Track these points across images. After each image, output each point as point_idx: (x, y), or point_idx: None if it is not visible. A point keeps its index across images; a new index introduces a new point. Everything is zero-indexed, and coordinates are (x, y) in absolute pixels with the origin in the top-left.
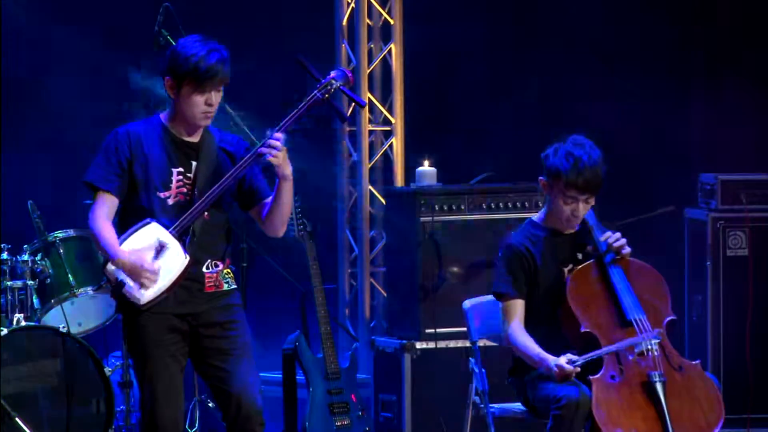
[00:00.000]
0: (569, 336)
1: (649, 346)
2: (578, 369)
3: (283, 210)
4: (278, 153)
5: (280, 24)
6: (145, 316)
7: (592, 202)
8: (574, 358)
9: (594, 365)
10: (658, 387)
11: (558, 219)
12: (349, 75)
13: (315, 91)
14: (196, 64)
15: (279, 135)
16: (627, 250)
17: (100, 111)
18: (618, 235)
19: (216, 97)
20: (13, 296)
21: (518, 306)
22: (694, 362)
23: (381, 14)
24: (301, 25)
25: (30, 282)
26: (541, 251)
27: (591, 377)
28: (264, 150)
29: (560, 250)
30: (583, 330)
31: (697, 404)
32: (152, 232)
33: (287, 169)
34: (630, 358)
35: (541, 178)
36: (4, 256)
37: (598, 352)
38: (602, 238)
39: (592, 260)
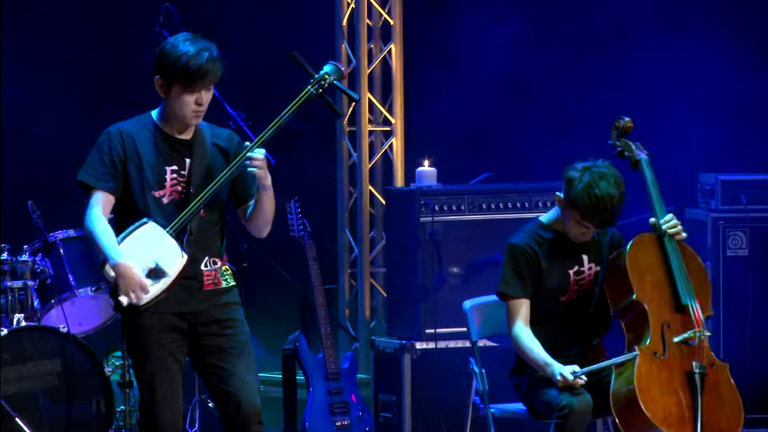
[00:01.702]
0: (612, 297)
1: (702, 336)
2: (582, 381)
3: (264, 215)
4: (262, 165)
5: (280, 24)
6: (145, 316)
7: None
8: (579, 370)
9: (634, 337)
10: (698, 378)
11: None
12: (342, 69)
13: (308, 86)
14: (186, 64)
15: (260, 150)
16: (683, 235)
17: (101, 110)
18: (675, 221)
19: (206, 96)
20: (14, 296)
21: (523, 305)
22: (724, 363)
23: (381, 14)
24: (302, 26)
25: (30, 282)
26: (546, 252)
27: (637, 347)
28: (247, 162)
29: (566, 252)
30: (635, 298)
31: (722, 405)
32: (150, 233)
33: (267, 180)
34: (675, 340)
35: (558, 194)
36: (4, 256)
37: (604, 363)
38: (662, 222)
39: (654, 232)
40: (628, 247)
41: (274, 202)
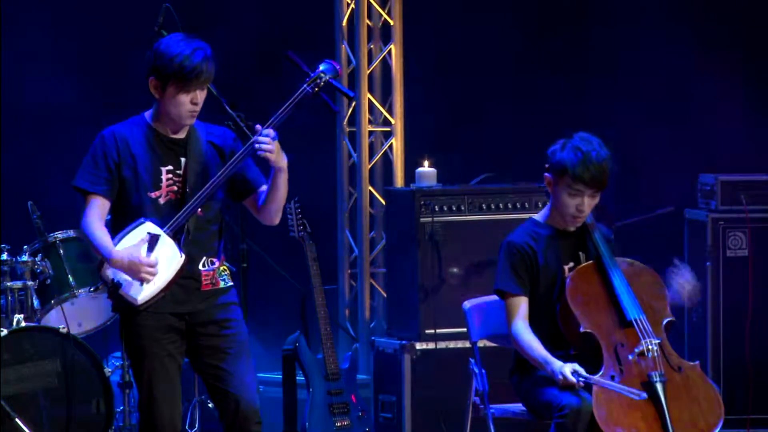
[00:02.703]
0: (568, 334)
1: (650, 347)
2: (582, 385)
3: (279, 199)
4: (272, 147)
5: (279, 25)
6: (143, 316)
7: (597, 198)
8: (580, 371)
9: (594, 364)
10: (659, 387)
11: (562, 216)
12: (338, 67)
13: (304, 85)
14: (181, 64)
15: (269, 131)
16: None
17: (101, 110)
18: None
19: (201, 95)
20: (13, 297)
21: (522, 303)
22: (693, 363)
23: (381, 15)
24: (301, 26)
25: (30, 283)
26: (542, 249)
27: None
28: (256, 146)
29: (562, 248)
30: (582, 330)
31: (696, 405)
32: (146, 231)
33: (282, 162)
34: (630, 357)
35: (546, 174)
36: (4, 256)
37: (608, 383)
38: None
39: (591, 260)
40: (567, 283)
41: (287, 185)
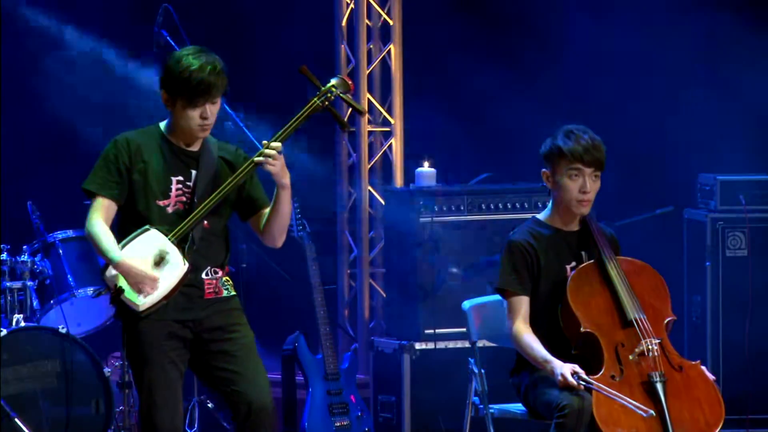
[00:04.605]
0: (569, 334)
1: (650, 346)
2: (582, 387)
3: (282, 219)
4: (275, 162)
5: (279, 25)
6: (145, 322)
7: (598, 182)
8: (581, 373)
9: (594, 364)
10: (659, 387)
11: (567, 205)
12: (350, 82)
13: (315, 98)
14: (189, 79)
15: (276, 144)
16: None
17: (101, 110)
18: None
19: (212, 109)
20: (13, 297)
21: (523, 303)
22: (694, 362)
23: (380, 15)
24: (301, 26)
25: (29, 283)
26: (544, 249)
27: (592, 377)
28: (261, 159)
29: (564, 248)
30: (583, 330)
31: (697, 404)
32: (152, 239)
33: (285, 178)
34: (630, 357)
35: (543, 170)
36: (4, 256)
37: (607, 390)
38: None
39: (592, 260)
40: (568, 283)
41: (291, 204)
